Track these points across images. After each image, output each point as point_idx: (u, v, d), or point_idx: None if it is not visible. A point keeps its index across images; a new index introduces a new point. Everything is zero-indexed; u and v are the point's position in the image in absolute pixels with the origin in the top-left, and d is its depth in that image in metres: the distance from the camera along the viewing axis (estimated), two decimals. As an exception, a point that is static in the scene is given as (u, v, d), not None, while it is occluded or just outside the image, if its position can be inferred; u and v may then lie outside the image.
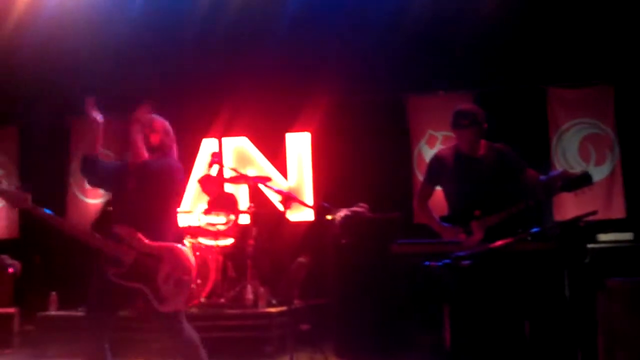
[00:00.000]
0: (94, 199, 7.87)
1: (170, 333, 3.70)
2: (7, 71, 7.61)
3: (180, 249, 3.67)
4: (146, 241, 3.58)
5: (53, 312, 6.25)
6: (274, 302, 6.06)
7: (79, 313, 6.05)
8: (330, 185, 7.21)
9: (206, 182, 6.72)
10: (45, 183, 7.68)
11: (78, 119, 7.79)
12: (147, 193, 3.65)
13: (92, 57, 7.21)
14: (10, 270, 6.69)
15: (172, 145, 3.88)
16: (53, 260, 7.41)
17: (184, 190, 3.95)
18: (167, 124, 3.93)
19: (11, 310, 6.56)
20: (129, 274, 3.53)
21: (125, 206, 3.69)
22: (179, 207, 3.97)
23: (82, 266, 7.06)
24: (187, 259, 3.67)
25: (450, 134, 4.49)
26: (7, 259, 6.76)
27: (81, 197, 7.90)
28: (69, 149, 7.98)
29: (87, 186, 7.65)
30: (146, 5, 7.19)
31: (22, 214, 7.91)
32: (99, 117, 3.73)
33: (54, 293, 6.35)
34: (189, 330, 3.75)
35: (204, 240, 6.27)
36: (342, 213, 5.61)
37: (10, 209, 7.93)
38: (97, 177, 3.79)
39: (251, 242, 6.25)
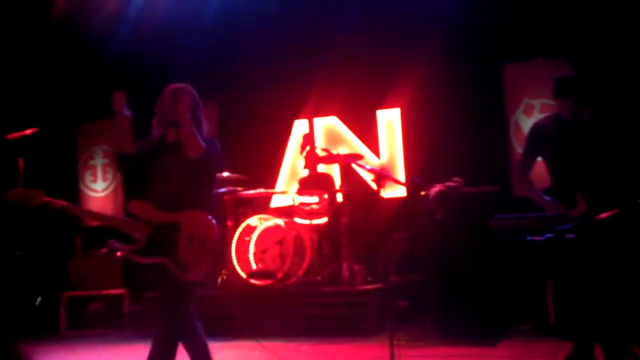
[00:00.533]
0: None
1: (183, 310, 3.43)
2: (113, 68, 7.90)
3: (200, 213, 3.44)
4: (161, 213, 3.42)
5: (160, 293, 6.52)
6: (369, 279, 6.06)
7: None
8: (422, 161, 7.10)
9: (308, 157, 6.74)
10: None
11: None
12: (189, 174, 3.50)
13: (183, 44, 7.39)
14: (119, 253, 7.05)
15: (202, 118, 3.69)
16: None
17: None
18: (197, 95, 3.73)
19: (121, 291, 6.92)
20: (147, 249, 3.39)
21: (159, 184, 3.51)
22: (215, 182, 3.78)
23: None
24: (209, 222, 3.44)
25: (549, 101, 4.29)
26: (115, 243, 7.12)
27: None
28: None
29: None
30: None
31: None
32: (126, 112, 3.57)
33: (159, 274, 6.63)
34: (200, 327, 3.59)
35: (299, 220, 6.36)
36: (436, 188, 5.52)
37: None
38: (133, 169, 3.66)
39: (345, 220, 6.27)
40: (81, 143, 8.70)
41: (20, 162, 4.64)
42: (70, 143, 8.68)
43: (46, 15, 7.67)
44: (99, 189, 8.54)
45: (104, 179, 8.55)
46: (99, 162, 8.61)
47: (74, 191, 8.49)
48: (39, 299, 7.50)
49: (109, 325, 6.83)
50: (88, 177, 8.61)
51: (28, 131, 4.57)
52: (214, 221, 3.48)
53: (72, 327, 6.91)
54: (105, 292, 6.95)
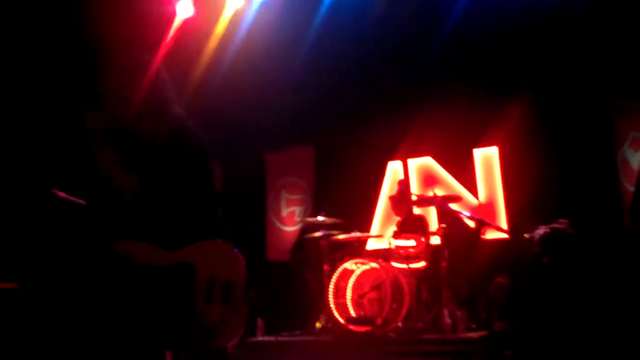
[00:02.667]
0: (291, 227, 8.22)
1: None
2: (211, 115, 8.17)
3: (222, 244, 2.46)
4: (161, 251, 2.35)
5: (259, 338, 6.56)
6: (473, 326, 5.85)
7: (283, 338, 6.32)
8: (524, 201, 6.83)
9: (396, 202, 6.71)
10: (245, 213, 8.24)
11: (273, 154, 8.30)
12: None
13: (277, 89, 7.55)
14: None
15: None
16: (258, 287, 7.79)
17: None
18: None
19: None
20: (149, 306, 2.30)
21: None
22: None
23: (285, 293, 7.43)
24: (235, 256, 2.46)
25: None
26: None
27: (279, 225, 8.30)
28: (265, 181, 8.43)
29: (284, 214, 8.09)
30: (321, 30, 7.39)
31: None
32: None
33: (260, 319, 6.66)
34: None
35: (396, 264, 6.25)
36: (541, 231, 5.30)
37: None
38: None
39: (444, 264, 6.10)
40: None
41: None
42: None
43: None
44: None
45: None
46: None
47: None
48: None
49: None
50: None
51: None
52: (239, 255, 2.48)
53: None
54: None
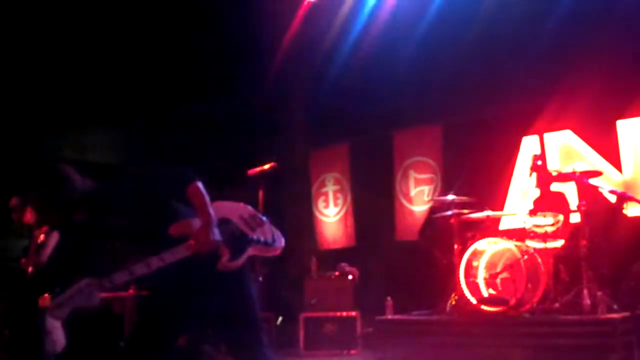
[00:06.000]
0: (420, 206, 8.14)
1: None
2: (338, 94, 8.28)
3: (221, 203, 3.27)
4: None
5: (389, 316, 6.57)
6: (615, 307, 5.47)
7: (413, 317, 6.28)
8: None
9: (539, 177, 6.36)
10: (374, 193, 8.26)
11: (400, 131, 8.25)
12: None
13: (403, 67, 7.46)
14: (350, 276, 7.26)
15: None
16: (387, 266, 7.82)
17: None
18: None
19: (353, 313, 7.11)
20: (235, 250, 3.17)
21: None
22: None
23: (414, 273, 7.38)
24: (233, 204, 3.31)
25: None
26: (346, 267, 7.35)
27: (407, 205, 8.24)
28: (393, 159, 8.40)
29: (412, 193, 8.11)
30: (448, 3, 7.17)
31: (358, 224, 8.58)
32: None
33: (389, 298, 6.68)
34: None
35: (532, 243, 5.98)
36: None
37: (346, 220, 8.70)
38: None
39: (584, 242, 5.74)
40: (314, 171, 9.21)
41: (261, 193, 5.05)
42: (305, 171, 9.22)
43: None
44: (331, 215, 8.95)
45: (335, 205, 8.94)
46: (330, 189, 9.03)
47: (309, 217, 9.01)
48: (280, 318, 7.98)
49: (343, 346, 7.03)
50: (321, 204, 9.06)
51: (267, 166, 5.00)
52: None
53: (310, 347, 7.23)
54: (339, 313, 7.18)
